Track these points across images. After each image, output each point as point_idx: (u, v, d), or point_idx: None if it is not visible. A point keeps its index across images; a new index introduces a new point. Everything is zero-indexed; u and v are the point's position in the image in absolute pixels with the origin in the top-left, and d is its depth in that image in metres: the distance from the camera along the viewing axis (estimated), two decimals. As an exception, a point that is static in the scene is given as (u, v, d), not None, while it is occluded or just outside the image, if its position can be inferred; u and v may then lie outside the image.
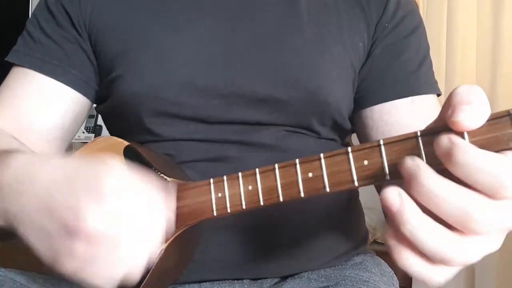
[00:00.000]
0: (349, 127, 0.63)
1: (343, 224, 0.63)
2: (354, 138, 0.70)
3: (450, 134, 0.28)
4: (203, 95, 0.55)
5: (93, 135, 1.65)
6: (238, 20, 0.58)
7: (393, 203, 0.29)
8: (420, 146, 0.31)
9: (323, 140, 0.61)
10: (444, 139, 0.28)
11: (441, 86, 1.56)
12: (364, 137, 0.62)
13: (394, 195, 0.29)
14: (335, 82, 0.57)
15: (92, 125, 1.63)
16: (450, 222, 0.28)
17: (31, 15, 0.63)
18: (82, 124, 0.67)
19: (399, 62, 0.60)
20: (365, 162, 0.33)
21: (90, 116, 1.50)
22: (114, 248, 0.34)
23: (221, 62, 0.56)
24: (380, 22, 0.60)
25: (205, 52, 0.57)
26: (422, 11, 1.75)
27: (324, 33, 0.59)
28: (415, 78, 0.60)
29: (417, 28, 0.62)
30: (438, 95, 0.62)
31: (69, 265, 0.34)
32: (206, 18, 0.58)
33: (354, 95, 0.61)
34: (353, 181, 0.34)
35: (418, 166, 0.29)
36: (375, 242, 1.67)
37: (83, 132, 1.63)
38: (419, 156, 0.31)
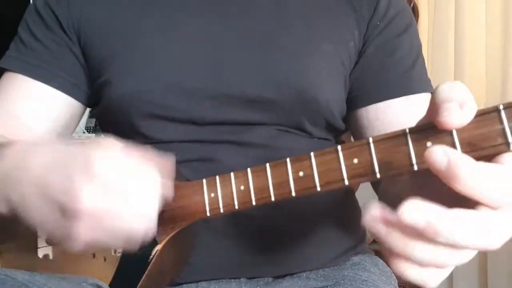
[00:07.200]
0: (343, 127, 0.62)
1: (340, 224, 0.62)
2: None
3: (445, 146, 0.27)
4: (191, 97, 0.55)
5: (93, 135, 1.64)
6: (226, 19, 0.58)
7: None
8: (409, 144, 0.31)
9: (316, 139, 0.60)
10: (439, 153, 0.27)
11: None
12: (360, 137, 0.61)
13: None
14: (325, 81, 0.57)
15: (93, 125, 1.63)
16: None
17: (22, 20, 0.63)
18: (78, 126, 0.67)
19: (392, 61, 0.59)
20: (355, 161, 0.33)
21: (91, 116, 1.49)
22: (118, 217, 0.35)
23: (209, 63, 0.56)
24: (371, 21, 0.60)
25: (193, 53, 0.56)
26: (429, 14, 1.72)
27: (313, 31, 0.58)
28: (409, 77, 0.59)
29: (409, 26, 0.61)
30: (432, 93, 0.61)
31: (82, 240, 0.35)
32: (194, 19, 0.58)
33: (348, 95, 0.61)
34: (343, 180, 0.34)
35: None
36: (374, 242, 1.66)
37: (84, 132, 1.63)
38: (409, 154, 0.31)
